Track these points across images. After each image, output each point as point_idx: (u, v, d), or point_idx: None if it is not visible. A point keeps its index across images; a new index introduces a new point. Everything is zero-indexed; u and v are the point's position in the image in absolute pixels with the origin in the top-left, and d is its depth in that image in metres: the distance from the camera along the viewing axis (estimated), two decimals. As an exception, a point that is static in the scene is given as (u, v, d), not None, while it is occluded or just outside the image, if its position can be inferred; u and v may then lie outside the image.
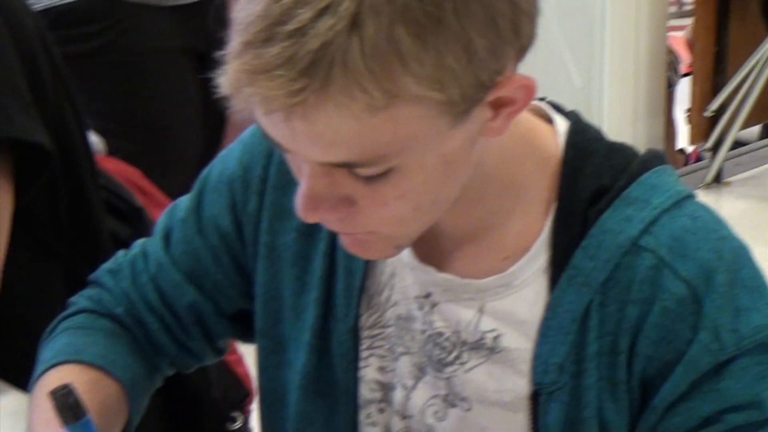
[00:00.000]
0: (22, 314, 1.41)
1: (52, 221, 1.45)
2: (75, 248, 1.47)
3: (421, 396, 1.12)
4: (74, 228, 1.47)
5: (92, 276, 1.28)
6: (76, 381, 1.09)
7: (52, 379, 1.16)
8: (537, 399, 1.06)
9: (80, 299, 1.26)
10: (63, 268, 1.47)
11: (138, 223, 1.55)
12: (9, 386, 1.34)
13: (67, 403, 0.97)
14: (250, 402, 1.64)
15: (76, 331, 1.21)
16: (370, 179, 0.93)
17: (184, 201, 1.24)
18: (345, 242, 1.03)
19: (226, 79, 0.89)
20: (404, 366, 1.13)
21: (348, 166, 0.92)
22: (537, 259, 1.06)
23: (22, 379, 1.32)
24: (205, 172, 1.23)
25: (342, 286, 1.14)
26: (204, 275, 1.22)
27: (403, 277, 1.12)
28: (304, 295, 1.16)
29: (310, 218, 0.96)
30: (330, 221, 0.98)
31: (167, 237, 1.23)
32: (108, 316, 1.23)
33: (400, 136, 0.90)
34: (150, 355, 1.24)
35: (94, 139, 1.54)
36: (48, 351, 1.20)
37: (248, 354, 1.37)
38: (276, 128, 0.90)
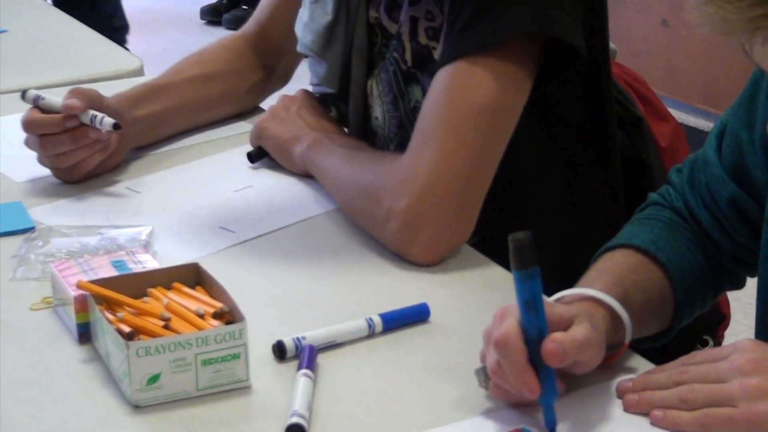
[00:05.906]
0: (524, 204, 1.41)
1: (567, 116, 1.41)
2: (586, 153, 1.43)
3: None
4: (589, 130, 1.43)
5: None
6: (621, 262, 1.16)
7: (598, 259, 1.20)
8: None
9: (653, 194, 1.29)
10: (575, 173, 1.44)
11: (636, 134, 1.48)
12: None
13: (522, 247, 0.99)
14: (724, 327, 1.57)
15: (640, 221, 1.26)
16: None
17: (744, 91, 1.21)
18: None
19: None
20: None
21: None
22: None
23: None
24: None
25: None
26: (745, 170, 1.20)
27: None
28: None
29: None
30: None
31: (722, 132, 1.23)
32: (671, 208, 1.26)
33: None
34: (709, 249, 1.24)
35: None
36: (612, 240, 1.23)
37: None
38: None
